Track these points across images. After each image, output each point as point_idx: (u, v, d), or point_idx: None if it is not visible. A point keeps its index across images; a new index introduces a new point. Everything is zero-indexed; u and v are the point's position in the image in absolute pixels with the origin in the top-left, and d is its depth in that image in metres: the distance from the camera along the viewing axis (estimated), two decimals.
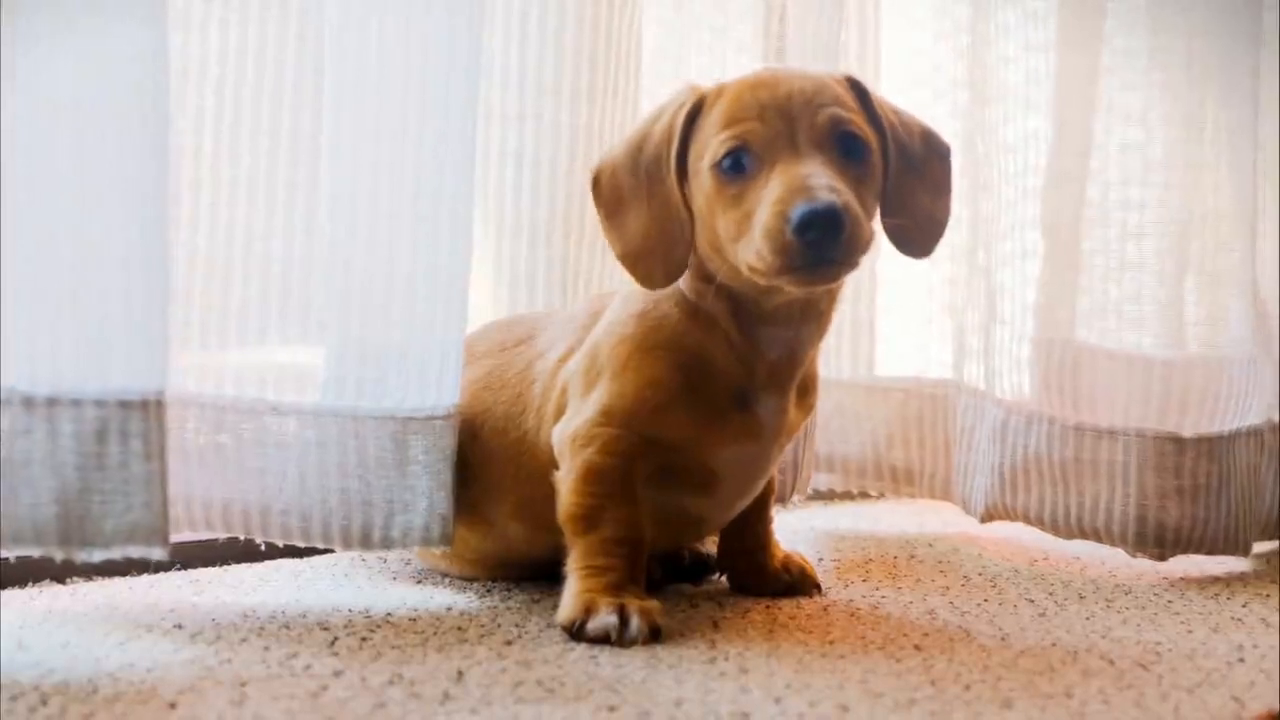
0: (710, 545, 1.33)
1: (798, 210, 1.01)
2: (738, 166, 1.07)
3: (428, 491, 1.18)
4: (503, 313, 1.40)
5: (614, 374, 1.14)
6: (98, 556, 1.01)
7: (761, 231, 1.03)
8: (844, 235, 1.01)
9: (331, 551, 1.33)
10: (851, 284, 1.62)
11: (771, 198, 1.03)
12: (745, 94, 1.09)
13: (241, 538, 1.19)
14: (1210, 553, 1.43)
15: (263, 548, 1.23)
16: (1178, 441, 1.42)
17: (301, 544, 1.19)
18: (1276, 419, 1.52)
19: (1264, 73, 1.57)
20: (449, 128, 1.17)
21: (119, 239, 1.01)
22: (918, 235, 1.15)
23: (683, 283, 1.14)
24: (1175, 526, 1.42)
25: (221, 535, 1.19)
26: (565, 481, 1.14)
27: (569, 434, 1.14)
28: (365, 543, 1.18)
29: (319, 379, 1.18)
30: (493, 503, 1.21)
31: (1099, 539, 1.45)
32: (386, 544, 1.18)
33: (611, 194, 1.14)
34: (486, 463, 1.21)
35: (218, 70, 1.17)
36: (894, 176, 1.12)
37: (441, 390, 1.18)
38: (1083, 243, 1.49)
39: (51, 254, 1.00)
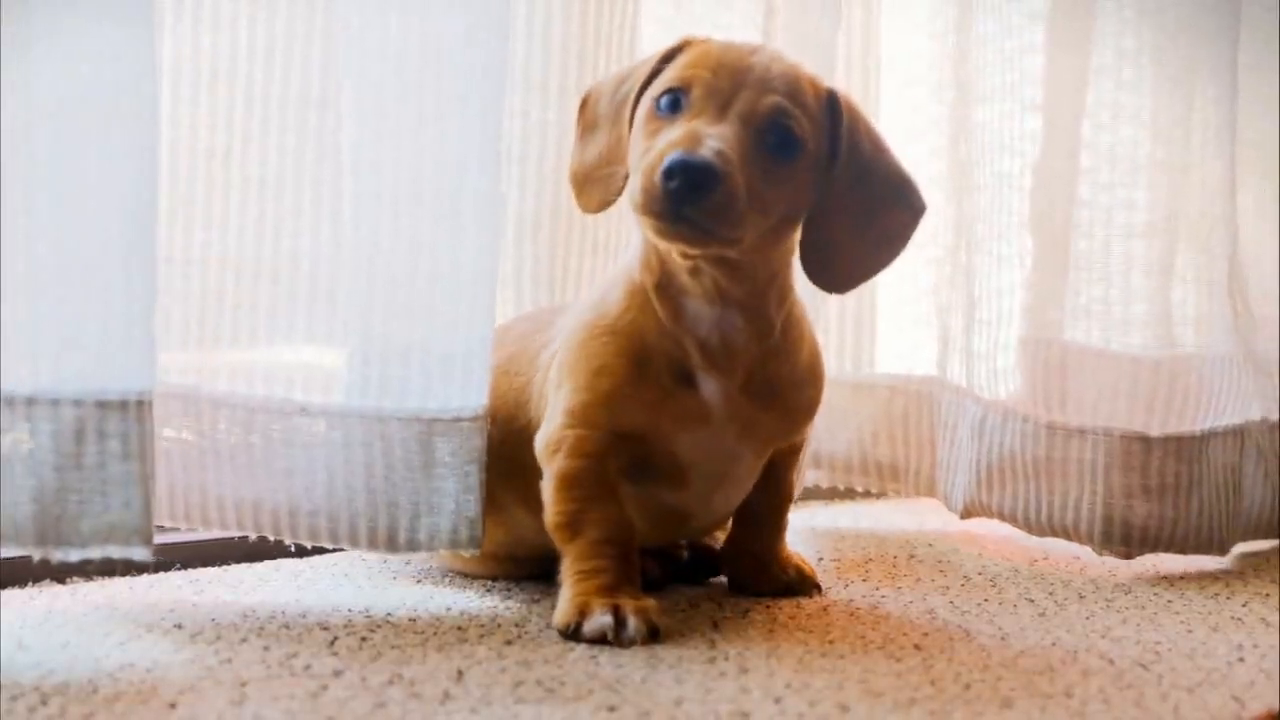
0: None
1: (671, 156, 1.02)
2: (674, 106, 1.08)
3: (454, 494, 1.18)
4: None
5: (570, 370, 1.15)
6: (74, 556, 1.01)
7: (642, 167, 1.04)
8: (711, 199, 1.01)
9: (336, 551, 1.33)
10: None
11: (664, 140, 1.04)
12: (715, 48, 1.11)
13: (271, 538, 1.19)
14: (1182, 552, 1.44)
15: (292, 548, 1.23)
16: (1145, 441, 1.42)
17: (330, 545, 1.19)
18: (1274, 419, 1.53)
19: (1264, 72, 1.57)
20: (472, 125, 1.17)
21: (101, 240, 1.01)
22: (837, 269, 1.15)
23: (637, 258, 1.15)
24: (1142, 525, 1.42)
25: (253, 535, 1.20)
26: (546, 490, 1.14)
27: (544, 441, 1.15)
28: (392, 545, 1.18)
29: (346, 379, 1.18)
30: (503, 488, 1.21)
31: (1068, 537, 1.45)
32: (413, 546, 1.18)
33: (591, 116, 1.18)
34: (499, 447, 1.21)
35: (246, 68, 1.18)
36: (834, 200, 1.12)
37: (468, 391, 1.18)
38: (1064, 242, 1.49)
39: (32, 254, 1.00)
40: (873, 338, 1.66)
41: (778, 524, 1.27)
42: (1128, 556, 1.44)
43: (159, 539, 1.20)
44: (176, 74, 1.17)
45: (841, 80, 1.56)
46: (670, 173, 1.01)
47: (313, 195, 1.19)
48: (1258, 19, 1.58)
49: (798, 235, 1.14)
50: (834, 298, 1.62)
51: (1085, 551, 1.50)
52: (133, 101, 1.02)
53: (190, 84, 1.17)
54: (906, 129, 1.63)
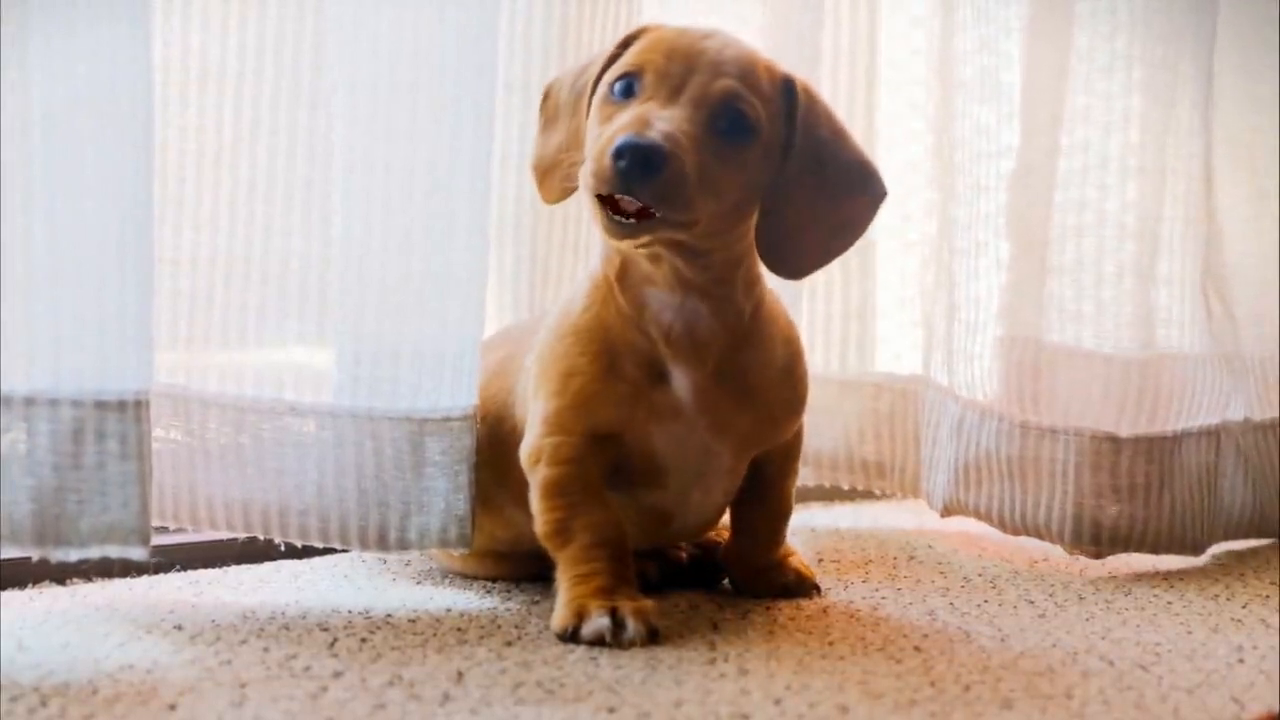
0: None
1: (620, 138, 1.02)
2: (627, 91, 1.08)
3: (444, 493, 1.18)
4: None
5: (543, 376, 1.15)
6: (74, 556, 1.01)
7: (594, 152, 1.04)
8: (659, 179, 1.01)
9: (334, 552, 1.33)
10: (822, 281, 1.62)
11: (616, 124, 1.05)
12: (668, 33, 1.11)
13: (261, 537, 1.20)
14: (1154, 551, 1.45)
15: (282, 547, 1.23)
16: (1114, 441, 1.43)
17: (320, 544, 1.20)
18: (1256, 418, 1.53)
19: (1251, 73, 1.58)
20: (464, 126, 1.17)
21: (99, 239, 1.01)
22: (790, 253, 1.14)
23: (600, 253, 1.15)
24: (1112, 525, 1.43)
25: (242, 535, 1.20)
26: (533, 500, 1.14)
27: (526, 451, 1.15)
28: (382, 544, 1.18)
29: (336, 379, 1.18)
30: (498, 486, 1.21)
31: (1040, 536, 1.45)
32: (403, 545, 1.19)
33: (552, 108, 1.18)
34: (491, 448, 1.21)
35: (237, 67, 1.18)
36: (789, 185, 1.11)
37: (457, 391, 1.18)
38: (1041, 243, 1.49)
39: (30, 254, 1.00)
40: (871, 336, 1.66)
41: (776, 538, 1.27)
42: (1098, 556, 1.45)
43: (159, 540, 1.21)
44: (166, 74, 1.17)
45: (828, 77, 1.56)
46: (619, 154, 1.01)
47: (303, 196, 1.19)
48: (1246, 20, 1.58)
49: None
50: (836, 295, 1.62)
51: None
52: (129, 101, 1.03)
53: (180, 84, 1.18)
54: (907, 129, 1.63)
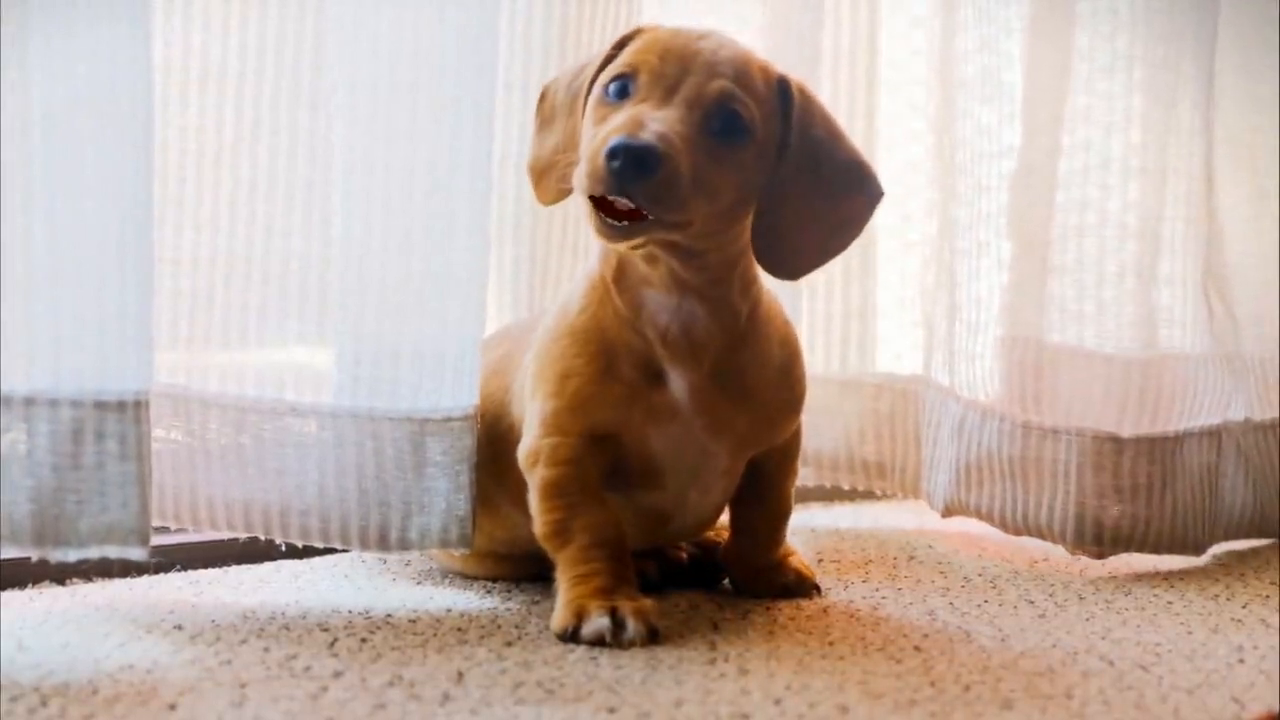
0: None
1: (614, 139, 1.01)
2: (621, 92, 1.08)
3: (445, 493, 1.18)
4: None
5: (540, 377, 1.15)
6: (72, 556, 1.01)
7: (588, 153, 1.04)
8: (653, 180, 1.01)
9: (334, 552, 1.33)
10: (822, 281, 1.62)
11: (610, 125, 1.04)
12: (663, 34, 1.11)
13: (261, 537, 1.20)
14: (1155, 551, 1.45)
15: (282, 547, 1.24)
16: (1116, 441, 1.43)
17: (321, 544, 1.20)
18: (1257, 418, 1.53)
19: (1253, 73, 1.58)
20: (464, 126, 1.17)
21: (99, 240, 1.02)
22: (787, 254, 1.13)
23: (598, 253, 1.15)
24: (1114, 525, 1.43)
25: (243, 535, 1.20)
26: (532, 501, 1.14)
27: (524, 452, 1.15)
28: (383, 544, 1.19)
29: (336, 379, 1.19)
30: (496, 485, 1.21)
31: (1042, 536, 1.46)
32: (404, 545, 1.19)
33: (548, 109, 1.18)
34: (490, 446, 1.21)
35: (237, 67, 1.18)
36: (785, 185, 1.11)
37: (458, 391, 1.19)
38: (1043, 243, 1.49)
39: (30, 254, 1.00)
40: (871, 336, 1.66)
41: (775, 538, 1.26)
42: (1100, 556, 1.45)
43: (159, 540, 1.21)
44: (166, 74, 1.17)
45: (829, 77, 1.56)
46: (613, 154, 1.01)
47: (304, 196, 1.19)
48: (1247, 20, 1.59)
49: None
50: (836, 295, 1.62)
51: None
52: (129, 101, 1.03)
53: (180, 84, 1.18)
54: (907, 130, 1.63)
